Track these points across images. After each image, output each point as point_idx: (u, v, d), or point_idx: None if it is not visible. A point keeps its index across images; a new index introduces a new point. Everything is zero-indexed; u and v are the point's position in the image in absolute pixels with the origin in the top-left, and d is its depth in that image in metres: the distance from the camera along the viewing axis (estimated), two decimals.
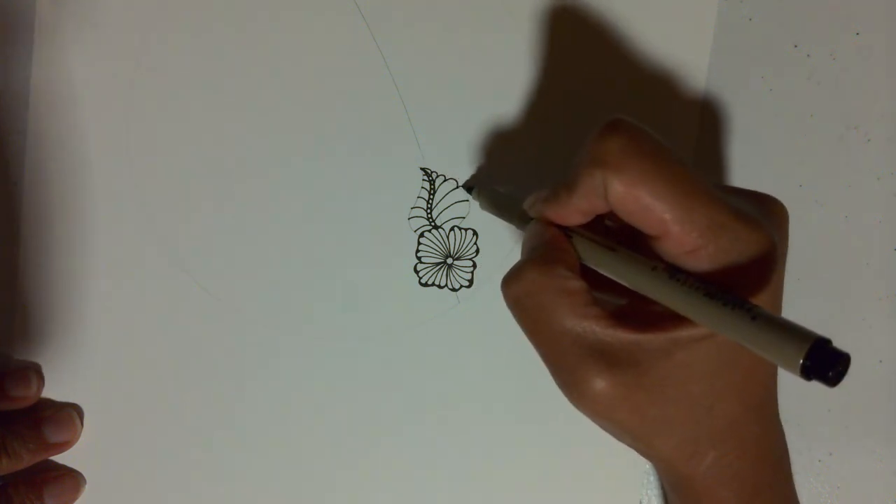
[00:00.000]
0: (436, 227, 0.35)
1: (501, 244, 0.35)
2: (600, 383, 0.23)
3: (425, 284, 0.35)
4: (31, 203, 0.34)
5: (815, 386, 0.37)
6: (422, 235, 0.35)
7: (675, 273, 0.23)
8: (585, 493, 0.36)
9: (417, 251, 0.35)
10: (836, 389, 0.35)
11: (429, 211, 0.35)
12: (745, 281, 0.23)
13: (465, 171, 0.35)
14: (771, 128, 0.36)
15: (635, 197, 0.23)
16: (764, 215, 0.25)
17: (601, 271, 0.26)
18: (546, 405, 0.35)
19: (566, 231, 0.27)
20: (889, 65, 0.36)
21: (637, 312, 0.25)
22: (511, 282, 0.25)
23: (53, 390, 0.35)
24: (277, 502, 0.35)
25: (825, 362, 0.19)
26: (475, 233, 0.35)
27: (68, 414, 0.34)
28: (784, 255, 0.25)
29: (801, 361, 0.19)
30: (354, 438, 0.35)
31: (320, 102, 0.35)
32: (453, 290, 0.35)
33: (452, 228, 0.35)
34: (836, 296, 0.36)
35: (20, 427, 0.33)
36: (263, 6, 0.34)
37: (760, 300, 0.22)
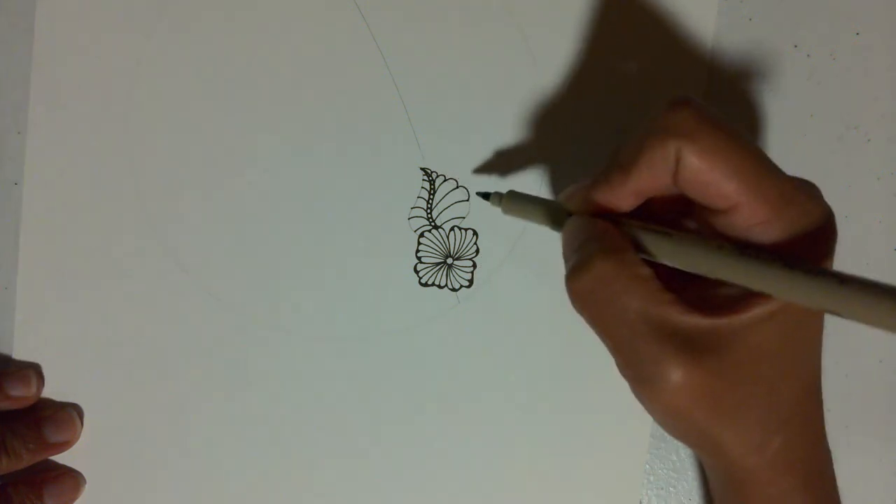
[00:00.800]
0: (436, 227, 0.35)
1: (501, 244, 0.35)
2: (679, 372, 0.22)
3: (425, 284, 0.35)
4: (31, 203, 0.34)
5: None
6: (422, 235, 0.35)
7: (744, 249, 0.22)
8: (585, 493, 0.36)
9: (417, 251, 0.35)
10: (836, 389, 0.35)
11: (429, 211, 0.35)
12: (809, 251, 0.23)
13: (465, 172, 0.35)
14: (771, 128, 0.36)
15: (709, 168, 0.23)
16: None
17: (659, 259, 0.25)
18: (546, 405, 0.35)
19: (614, 221, 0.26)
20: (889, 65, 0.36)
21: (698, 299, 0.24)
22: (579, 274, 0.24)
23: (53, 390, 0.35)
24: (278, 501, 0.35)
25: None
26: (475, 233, 0.35)
27: (68, 414, 0.34)
28: None
29: None
30: (354, 438, 0.35)
31: (320, 102, 0.35)
32: (453, 290, 0.35)
33: (452, 228, 0.35)
34: None
35: (20, 427, 0.33)
36: (263, 6, 0.34)
37: None
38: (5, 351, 0.35)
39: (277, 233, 0.35)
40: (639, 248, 0.25)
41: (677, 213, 0.26)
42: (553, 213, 0.28)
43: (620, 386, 0.35)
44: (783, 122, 0.36)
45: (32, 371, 0.34)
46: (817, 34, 0.36)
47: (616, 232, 0.25)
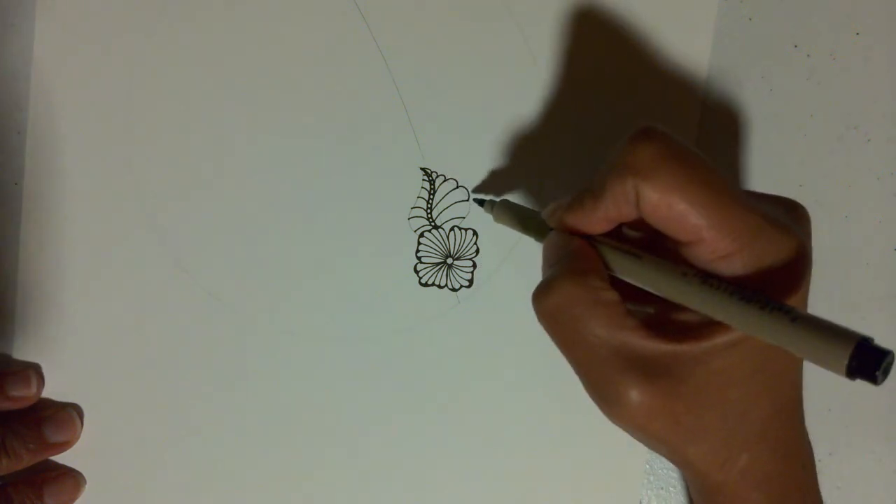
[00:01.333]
0: (436, 227, 0.35)
1: (501, 244, 0.35)
2: (638, 396, 0.23)
3: (425, 284, 0.35)
4: (31, 203, 0.34)
5: (815, 385, 0.37)
6: (422, 235, 0.35)
7: (707, 278, 0.23)
8: (585, 493, 0.36)
9: (417, 251, 0.35)
10: (836, 389, 0.35)
11: (429, 211, 0.35)
12: (778, 285, 0.23)
13: (465, 171, 0.35)
14: (771, 128, 0.36)
15: (669, 204, 0.23)
16: (791, 219, 0.25)
17: (629, 280, 0.25)
18: (546, 405, 0.35)
19: (591, 240, 0.26)
20: (889, 65, 0.36)
21: (665, 321, 0.25)
22: (544, 295, 0.25)
23: (53, 390, 0.35)
24: (278, 502, 0.35)
25: (870, 361, 0.19)
26: (475, 233, 0.35)
27: (68, 414, 0.34)
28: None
29: (847, 362, 0.19)
30: (355, 438, 0.35)
31: (320, 102, 0.35)
32: (453, 290, 0.35)
33: (452, 228, 0.35)
34: (836, 296, 0.36)
35: (20, 427, 0.33)
36: (263, 7, 0.34)
37: (793, 303, 0.22)
38: (5, 351, 0.35)
39: (277, 233, 0.35)
40: (609, 267, 0.26)
41: (657, 234, 0.26)
42: (538, 226, 0.29)
43: None
44: (783, 122, 0.36)
45: (32, 371, 0.34)
46: (817, 34, 0.36)
47: (588, 252, 0.26)
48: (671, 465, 0.36)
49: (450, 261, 0.35)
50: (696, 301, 0.23)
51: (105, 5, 0.34)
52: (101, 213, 0.35)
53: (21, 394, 0.34)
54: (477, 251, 0.35)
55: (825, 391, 0.36)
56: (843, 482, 0.36)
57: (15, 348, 0.35)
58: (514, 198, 0.35)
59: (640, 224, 0.25)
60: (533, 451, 0.35)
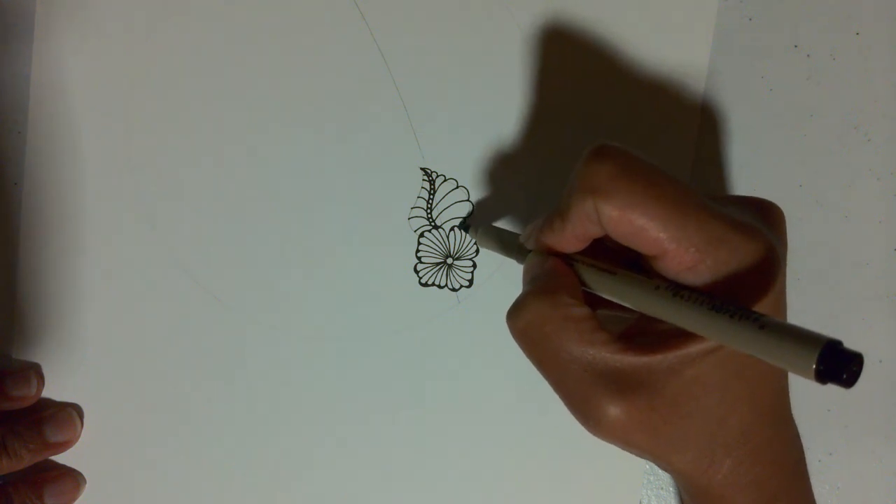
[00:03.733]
0: (436, 227, 0.35)
1: None
2: (614, 410, 0.23)
3: (425, 284, 0.35)
4: (31, 203, 0.34)
5: (815, 386, 0.37)
6: (422, 235, 0.35)
7: (678, 290, 0.23)
8: (585, 493, 0.36)
9: (417, 251, 0.35)
10: (836, 390, 0.35)
11: (429, 211, 0.35)
12: (748, 289, 0.23)
13: (465, 171, 0.35)
14: (771, 128, 0.36)
15: (628, 220, 0.23)
16: (762, 221, 0.25)
17: (604, 296, 0.26)
18: (546, 404, 0.35)
19: (567, 258, 0.27)
20: (889, 65, 0.36)
21: (644, 333, 0.25)
22: (515, 315, 0.25)
23: (53, 390, 0.35)
24: (278, 501, 0.35)
25: (838, 364, 0.18)
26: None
27: (68, 414, 0.34)
28: (784, 258, 0.25)
29: (815, 366, 0.18)
30: (354, 438, 0.35)
31: (320, 103, 0.35)
32: (453, 290, 0.35)
33: (452, 229, 0.35)
34: (836, 296, 0.36)
35: (20, 427, 0.33)
36: (263, 7, 0.34)
37: (765, 307, 0.22)
38: (5, 351, 0.35)
39: (277, 233, 0.35)
40: (586, 284, 0.26)
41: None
42: (521, 248, 0.29)
43: None
44: (783, 122, 0.36)
45: (32, 371, 0.34)
46: (817, 34, 0.36)
47: (562, 270, 0.26)
48: None
49: (450, 261, 0.35)
50: (668, 313, 0.23)
51: (105, 5, 0.34)
52: (101, 213, 0.35)
53: (21, 394, 0.34)
54: (477, 251, 0.35)
55: (825, 391, 0.36)
56: (843, 482, 0.36)
57: (15, 348, 0.35)
58: (513, 197, 0.35)
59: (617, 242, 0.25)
60: (533, 451, 0.35)
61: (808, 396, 0.36)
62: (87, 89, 0.34)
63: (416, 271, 0.35)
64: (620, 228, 0.23)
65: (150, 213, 0.35)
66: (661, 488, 0.36)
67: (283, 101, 0.35)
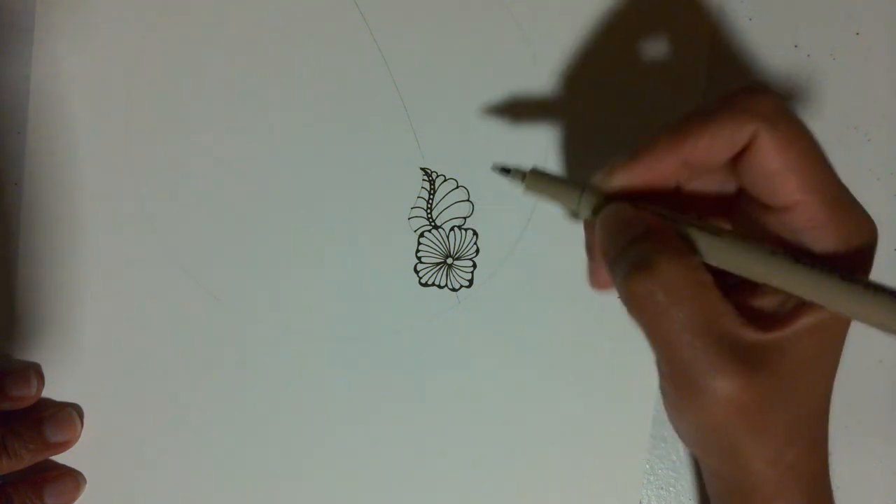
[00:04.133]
0: (436, 227, 0.35)
1: (501, 244, 0.35)
2: (730, 387, 0.21)
3: (425, 284, 0.35)
4: (31, 203, 0.34)
5: None
6: (422, 235, 0.35)
7: (799, 257, 0.21)
8: (586, 493, 0.36)
9: (417, 251, 0.35)
10: (836, 389, 0.35)
11: (429, 211, 0.35)
12: (854, 264, 0.22)
13: (465, 171, 0.35)
14: None
15: (784, 158, 0.22)
16: None
17: (707, 260, 0.23)
18: (546, 405, 0.35)
19: (661, 217, 0.24)
20: (889, 65, 0.36)
21: (738, 307, 0.23)
22: (640, 277, 0.22)
23: (53, 390, 0.35)
24: (277, 501, 0.35)
25: None
26: (475, 233, 0.35)
27: (68, 414, 0.34)
28: None
29: None
30: (354, 438, 0.35)
31: (320, 102, 0.35)
32: (453, 290, 0.35)
33: (452, 228, 0.35)
34: None
35: (20, 427, 0.33)
36: (263, 7, 0.34)
37: None
38: (5, 351, 0.35)
39: (277, 233, 0.35)
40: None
41: (716, 212, 0.24)
42: (581, 197, 0.25)
43: (621, 386, 0.35)
44: None
45: (32, 371, 0.34)
46: (817, 34, 0.36)
47: (671, 229, 0.23)
48: (671, 465, 0.36)
49: (450, 261, 0.35)
50: (790, 282, 0.21)
51: (104, 5, 0.34)
52: (101, 213, 0.35)
53: (21, 394, 0.34)
54: (477, 251, 0.35)
55: None
56: (843, 482, 0.36)
57: (15, 348, 0.35)
58: (513, 197, 0.35)
59: (698, 201, 0.24)
60: (533, 451, 0.35)
61: None
62: (87, 89, 0.34)
63: (416, 271, 0.35)
64: (769, 164, 0.22)
65: (150, 214, 0.35)
66: (661, 488, 0.36)
67: (282, 102, 0.35)
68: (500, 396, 0.35)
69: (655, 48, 0.35)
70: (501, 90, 0.35)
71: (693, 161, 0.23)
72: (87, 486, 0.35)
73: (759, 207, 0.23)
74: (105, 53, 0.34)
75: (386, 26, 0.35)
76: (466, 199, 0.35)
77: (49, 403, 0.35)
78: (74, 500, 0.34)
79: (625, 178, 0.24)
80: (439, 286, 0.35)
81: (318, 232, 0.35)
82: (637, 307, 0.23)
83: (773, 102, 0.22)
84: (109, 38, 0.34)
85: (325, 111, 0.35)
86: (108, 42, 0.34)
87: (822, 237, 0.22)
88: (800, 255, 0.22)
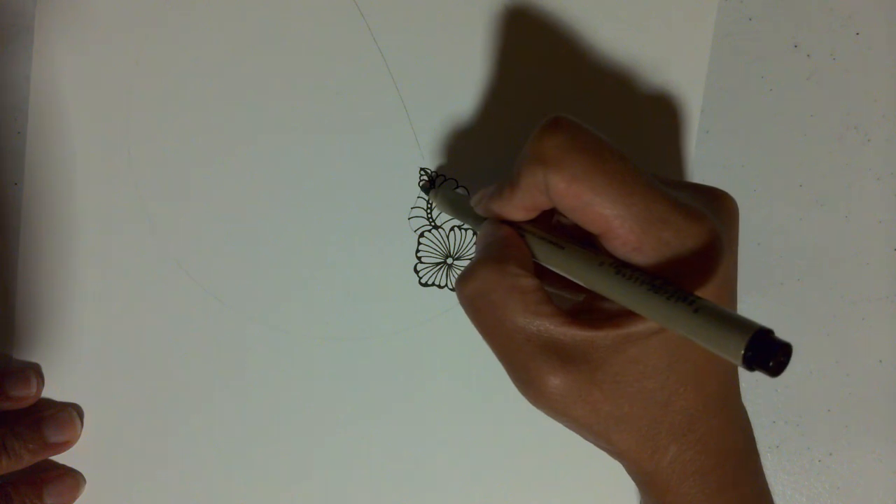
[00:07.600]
0: (436, 227, 0.35)
1: None
2: (554, 380, 0.24)
3: (425, 284, 0.35)
4: (31, 203, 0.34)
5: (816, 386, 0.37)
6: (422, 235, 0.35)
7: (621, 268, 0.23)
8: (585, 493, 0.36)
9: (417, 251, 0.35)
10: (836, 389, 0.35)
11: (429, 211, 0.35)
12: (691, 273, 0.23)
13: (465, 171, 0.35)
14: (771, 128, 0.36)
15: (575, 193, 0.23)
16: (711, 209, 0.25)
17: (553, 269, 0.26)
18: None
19: (520, 229, 0.27)
20: (889, 65, 0.36)
21: (591, 310, 0.25)
22: (464, 281, 0.25)
23: (53, 390, 0.35)
24: (277, 501, 0.35)
25: (766, 352, 0.19)
26: (475, 233, 0.35)
27: (68, 414, 0.34)
28: (732, 247, 0.25)
29: (742, 352, 0.19)
30: (354, 438, 0.35)
31: (320, 102, 0.35)
32: (453, 290, 0.35)
33: (452, 228, 0.35)
34: (836, 296, 0.36)
35: (20, 427, 0.33)
36: (263, 7, 0.34)
37: (706, 292, 0.22)
38: (5, 351, 0.35)
39: (277, 233, 0.35)
40: (535, 256, 0.26)
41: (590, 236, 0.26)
42: (475, 213, 0.29)
43: None
44: (783, 122, 0.36)
45: (32, 371, 0.34)
46: (817, 34, 0.36)
47: (513, 240, 0.26)
48: None
49: (450, 261, 0.35)
50: (611, 290, 0.23)
51: (104, 6, 0.34)
52: (101, 213, 0.35)
53: (21, 394, 0.34)
54: None
55: (825, 391, 0.36)
56: (843, 482, 0.36)
57: (15, 348, 0.35)
58: None
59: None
60: (532, 451, 0.36)
61: (808, 396, 0.36)
62: (87, 89, 0.34)
63: (416, 271, 0.35)
64: (567, 201, 0.23)
65: (150, 213, 0.35)
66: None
67: (282, 101, 0.35)
68: (500, 396, 0.35)
69: (655, 48, 0.35)
70: (502, 91, 0.35)
71: (527, 206, 0.25)
72: (87, 486, 0.35)
73: (594, 235, 0.25)
74: (105, 53, 0.34)
75: (386, 26, 0.35)
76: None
77: (49, 403, 0.35)
78: (74, 500, 0.34)
79: (485, 211, 0.28)
80: (439, 286, 0.35)
81: (319, 232, 0.35)
82: (465, 308, 0.26)
83: (559, 141, 0.23)
84: (109, 38, 0.34)
85: (326, 111, 0.35)
86: (108, 42, 0.34)
87: (642, 254, 0.23)
88: (624, 266, 0.23)
